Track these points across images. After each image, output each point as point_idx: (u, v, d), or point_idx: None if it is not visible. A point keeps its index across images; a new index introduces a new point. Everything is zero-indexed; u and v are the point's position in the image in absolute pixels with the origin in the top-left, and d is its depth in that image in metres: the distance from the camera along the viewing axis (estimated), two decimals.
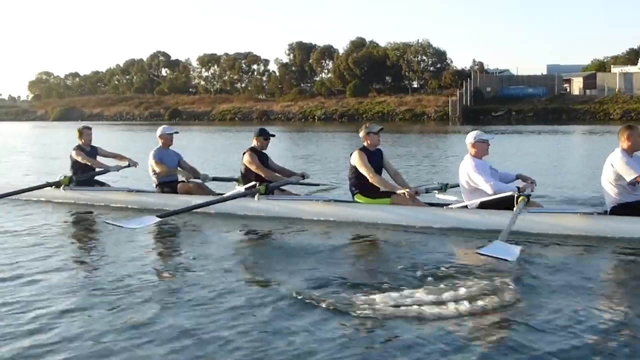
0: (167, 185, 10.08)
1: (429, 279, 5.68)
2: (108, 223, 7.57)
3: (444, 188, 9.02)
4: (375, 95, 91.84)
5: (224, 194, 9.34)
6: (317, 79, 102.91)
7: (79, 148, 10.79)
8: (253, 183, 9.13)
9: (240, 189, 9.18)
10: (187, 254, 7.07)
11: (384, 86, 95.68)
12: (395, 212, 8.29)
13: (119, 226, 7.44)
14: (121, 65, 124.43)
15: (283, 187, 9.52)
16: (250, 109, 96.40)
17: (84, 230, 8.95)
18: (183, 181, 10.02)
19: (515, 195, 7.52)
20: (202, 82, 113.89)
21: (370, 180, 8.46)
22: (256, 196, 8.97)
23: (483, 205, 7.86)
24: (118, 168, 10.95)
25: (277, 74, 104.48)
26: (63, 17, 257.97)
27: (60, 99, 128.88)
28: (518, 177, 8.35)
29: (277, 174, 9.50)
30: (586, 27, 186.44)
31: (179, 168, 10.22)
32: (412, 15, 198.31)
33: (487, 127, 51.26)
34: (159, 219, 7.58)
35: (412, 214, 8.21)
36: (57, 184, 10.42)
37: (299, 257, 6.78)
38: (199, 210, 8.74)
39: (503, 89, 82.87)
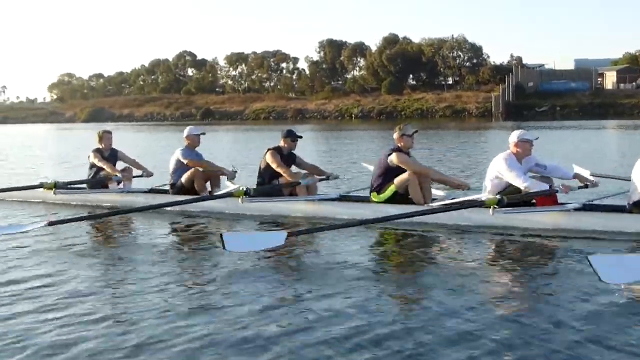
0: (177, 185, 10.18)
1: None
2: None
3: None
4: (409, 92, 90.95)
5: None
6: (349, 76, 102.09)
7: (97, 151, 10.78)
8: (237, 186, 9.15)
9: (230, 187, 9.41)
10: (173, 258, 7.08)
11: (418, 83, 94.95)
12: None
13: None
14: (146, 65, 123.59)
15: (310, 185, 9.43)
16: (284, 107, 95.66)
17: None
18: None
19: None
20: (230, 82, 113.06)
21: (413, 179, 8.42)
22: (240, 198, 8.92)
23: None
24: (119, 179, 10.78)
25: (308, 72, 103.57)
26: (84, 18, 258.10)
27: (84, 100, 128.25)
28: (575, 176, 8.18)
29: (300, 171, 9.53)
30: (613, 19, 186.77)
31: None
32: (444, 10, 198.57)
33: (531, 123, 50.82)
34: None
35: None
36: (45, 186, 10.40)
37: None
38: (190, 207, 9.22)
39: (544, 83, 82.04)
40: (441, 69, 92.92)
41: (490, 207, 7.55)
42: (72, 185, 10.86)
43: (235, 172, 10.22)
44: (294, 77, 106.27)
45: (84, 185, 10.93)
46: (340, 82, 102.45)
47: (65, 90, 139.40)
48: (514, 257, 6.77)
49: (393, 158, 8.44)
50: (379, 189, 8.61)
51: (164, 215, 9.38)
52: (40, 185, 10.43)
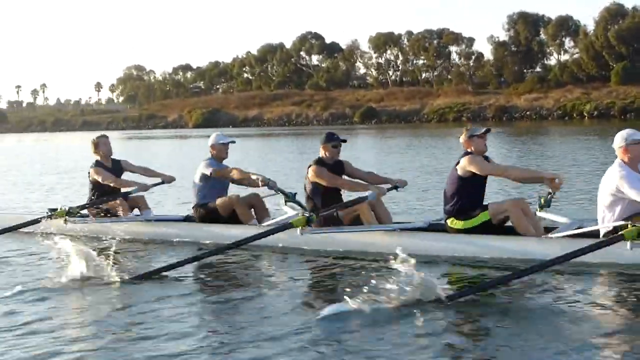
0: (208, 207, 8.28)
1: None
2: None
3: (545, 201, 7.30)
4: None
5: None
6: (550, 62, 77.38)
7: (97, 165, 9.00)
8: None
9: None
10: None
11: None
12: (476, 245, 6.79)
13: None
14: (255, 52, 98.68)
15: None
16: (480, 104, 70.97)
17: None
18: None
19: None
20: (373, 72, 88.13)
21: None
22: (298, 230, 7.19)
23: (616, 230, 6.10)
24: (145, 187, 8.81)
25: (492, 56, 78.54)
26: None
27: (165, 99, 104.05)
28: None
29: (361, 181, 7.77)
30: None
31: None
32: None
33: None
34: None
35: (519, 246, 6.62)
36: (56, 215, 8.70)
37: None
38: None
39: None
40: None
41: None
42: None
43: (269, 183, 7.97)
44: (471, 63, 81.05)
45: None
46: (537, 70, 77.66)
47: (139, 87, 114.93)
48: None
49: (463, 163, 7.02)
50: (458, 213, 7.05)
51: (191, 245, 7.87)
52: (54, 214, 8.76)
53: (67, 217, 8.59)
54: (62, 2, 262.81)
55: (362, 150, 26.53)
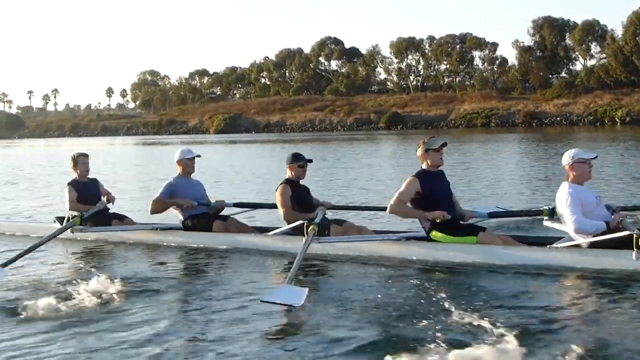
0: (197, 220, 8.39)
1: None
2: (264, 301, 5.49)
3: (547, 212, 7.24)
4: None
5: (264, 230, 8.12)
6: (576, 67, 76.72)
7: (72, 184, 9.10)
8: (299, 223, 7.34)
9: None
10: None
11: None
12: (484, 253, 6.70)
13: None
14: (273, 58, 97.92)
15: (344, 220, 7.93)
16: (508, 109, 70.23)
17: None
18: (222, 216, 8.49)
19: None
20: (394, 77, 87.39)
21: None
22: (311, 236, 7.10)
23: (594, 245, 6.33)
24: (103, 205, 8.99)
25: (517, 61, 77.85)
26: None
27: (182, 104, 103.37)
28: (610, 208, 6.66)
29: (309, 215, 7.46)
30: None
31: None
32: None
33: None
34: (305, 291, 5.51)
35: (506, 255, 6.59)
36: (69, 226, 8.61)
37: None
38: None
39: None
40: None
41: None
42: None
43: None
44: (495, 68, 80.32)
45: None
46: (562, 75, 76.92)
47: (154, 92, 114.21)
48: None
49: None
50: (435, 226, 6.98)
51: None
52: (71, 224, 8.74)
53: (74, 225, 8.80)
54: (75, 8, 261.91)
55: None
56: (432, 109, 74.67)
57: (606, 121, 65.27)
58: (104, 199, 9.07)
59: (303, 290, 5.38)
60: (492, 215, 7.90)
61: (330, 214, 7.92)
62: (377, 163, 23.52)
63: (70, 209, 8.87)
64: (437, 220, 6.74)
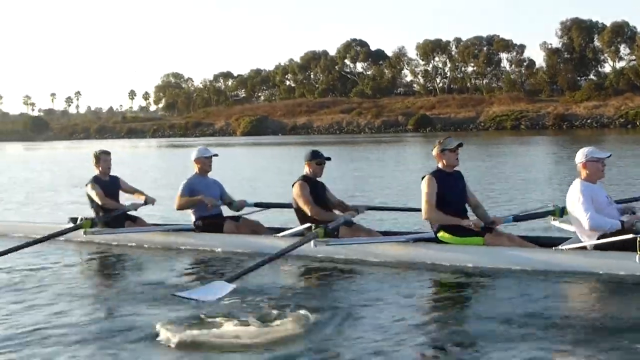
0: (209, 220, 8.40)
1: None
2: (176, 296, 5.53)
3: (558, 212, 7.26)
4: None
5: (279, 230, 8.05)
6: (605, 69, 76.19)
7: (95, 181, 9.09)
8: (308, 225, 7.44)
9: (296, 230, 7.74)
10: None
11: None
12: (491, 254, 6.74)
13: (188, 299, 5.49)
14: (297, 60, 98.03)
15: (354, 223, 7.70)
16: (537, 112, 69.93)
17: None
18: (233, 217, 8.52)
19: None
20: (421, 79, 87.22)
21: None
22: (312, 242, 7.11)
23: (600, 247, 6.32)
24: (135, 207, 9.10)
25: (545, 64, 77.48)
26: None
27: (206, 106, 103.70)
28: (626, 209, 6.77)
29: (329, 213, 7.73)
30: None
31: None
32: None
33: None
34: (231, 285, 5.69)
35: (512, 257, 6.62)
36: (76, 227, 8.70)
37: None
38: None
39: None
40: None
41: None
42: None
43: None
44: (523, 70, 79.99)
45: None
46: (591, 77, 76.43)
47: (178, 95, 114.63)
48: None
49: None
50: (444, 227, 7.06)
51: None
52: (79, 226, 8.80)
53: (87, 227, 8.85)
54: (96, 11, 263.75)
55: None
56: (461, 111, 74.58)
57: (638, 123, 64.90)
58: (139, 200, 9.11)
59: (228, 287, 5.43)
60: (516, 219, 7.92)
61: (358, 218, 7.88)
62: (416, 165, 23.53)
63: (102, 204, 8.90)
64: (475, 229, 6.76)
